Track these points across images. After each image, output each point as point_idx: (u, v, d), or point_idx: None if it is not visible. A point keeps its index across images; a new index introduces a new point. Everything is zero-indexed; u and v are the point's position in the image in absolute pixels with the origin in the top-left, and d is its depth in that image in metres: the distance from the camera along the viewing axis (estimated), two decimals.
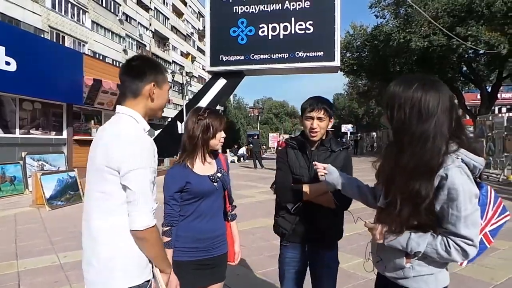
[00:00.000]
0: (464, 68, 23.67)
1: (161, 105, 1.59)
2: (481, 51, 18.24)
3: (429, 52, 19.53)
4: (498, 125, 11.90)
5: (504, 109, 33.79)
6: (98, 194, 1.42)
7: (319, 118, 1.99)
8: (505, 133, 11.71)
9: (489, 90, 23.32)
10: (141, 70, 1.51)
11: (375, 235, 1.39)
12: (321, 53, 17.42)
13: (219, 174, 2.00)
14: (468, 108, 25.20)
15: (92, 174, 1.46)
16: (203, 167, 1.97)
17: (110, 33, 34.25)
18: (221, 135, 2.00)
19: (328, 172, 1.76)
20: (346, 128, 59.78)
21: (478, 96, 25.77)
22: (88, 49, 30.31)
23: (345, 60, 25.78)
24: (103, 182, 1.40)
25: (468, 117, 23.57)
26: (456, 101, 1.47)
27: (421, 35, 19.10)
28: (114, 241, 1.40)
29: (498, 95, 26.46)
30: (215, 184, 1.95)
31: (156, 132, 22.75)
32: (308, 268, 2.13)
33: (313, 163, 1.91)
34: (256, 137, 26.81)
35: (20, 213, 7.32)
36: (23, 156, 9.88)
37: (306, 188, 1.97)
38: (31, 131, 10.49)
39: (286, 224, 2.04)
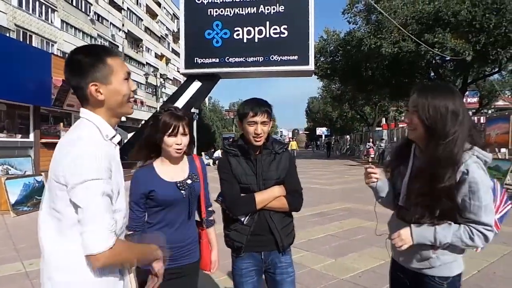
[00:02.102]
0: (432, 74, 24.61)
1: (120, 102, 1.33)
2: (448, 58, 19.03)
3: (399, 57, 20.19)
4: None
5: (470, 113, 35.35)
6: (50, 211, 1.24)
7: (263, 122, 1.89)
8: None
9: None
10: (78, 66, 1.27)
11: (397, 243, 1.52)
12: (296, 57, 17.63)
13: (188, 181, 1.85)
14: None
15: (46, 188, 1.28)
16: (172, 172, 1.84)
17: (81, 33, 33.30)
18: (174, 141, 1.77)
19: (380, 177, 1.73)
20: (321, 131, 60.82)
21: None
22: (57, 49, 29.32)
23: (319, 64, 26.23)
24: (54, 199, 1.21)
25: None
26: None
27: (391, 41, 19.73)
28: (70, 266, 1.21)
29: (464, 100, 27.68)
30: (182, 191, 1.81)
31: (130, 135, 22.28)
32: (264, 277, 2.04)
33: (370, 167, 1.75)
34: (231, 140, 26.74)
35: None
36: None
37: (259, 196, 1.88)
38: None
39: (240, 237, 1.91)
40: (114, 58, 1.32)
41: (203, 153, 24.14)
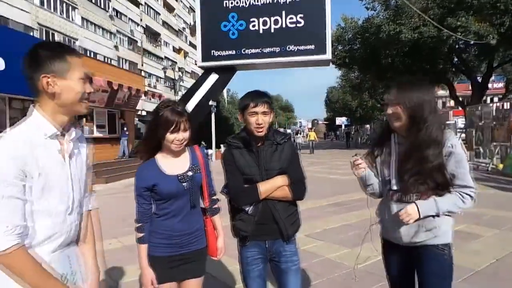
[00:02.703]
0: (455, 59, 23.82)
1: (72, 99, 1.31)
2: (471, 42, 18.37)
3: (419, 43, 19.61)
4: (486, 114, 12.04)
5: (496, 99, 34.11)
6: None
7: (264, 113, 1.93)
8: (494, 122, 11.85)
9: (480, 80, 23.50)
10: (35, 58, 1.26)
11: (405, 219, 1.71)
12: (312, 46, 17.41)
13: (190, 173, 1.90)
14: (460, 99, 25.41)
15: None
16: (173, 165, 1.89)
17: (100, 29, 33.94)
18: (175, 137, 1.82)
19: (366, 168, 1.94)
20: (341, 121, 60.07)
21: (470, 87, 25.98)
22: (79, 46, 30.01)
23: (337, 53, 25.81)
24: None
25: (460, 108, 23.77)
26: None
27: (411, 27, 19.17)
28: None
29: (490, 85, 26.69)
30: (183, 184, 1.87)
31: None
32: (269, 265, 2.08)
33: (357, 159, 1.93)
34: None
35: None
36: None
37: (262, 187, 1.93)
38: None
39: (246, 226, 1.97)
40: (74, 57, 1.33)
41: (202, 142, 24.05)
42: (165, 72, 22.36)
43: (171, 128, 1.80)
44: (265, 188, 1.93)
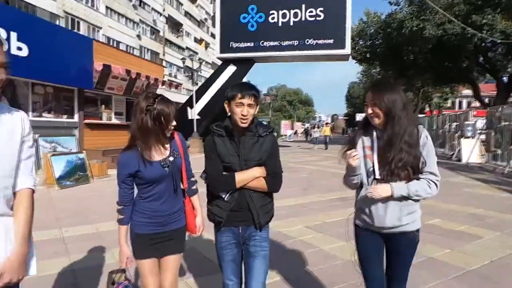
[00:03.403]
0: (481, 58, 23.05)
1: None
2: (498, 41, 17.75)
3: (443, 40, 19.10)
4: (506, 116, 11.68)
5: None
6: None
7: (250, 105, 1.99)
8: None
9: (506, 80, 22.69)
10: None
11: (374, 194, 1.94)
12: (331, 41, 17.29)
13: (171, 158, 2.04)
14: (487, 99, 24.64)
15: None
16: (156, 152, 2.01)
17: (124, 18, 34.56)
18: (172, 124, 2.01)
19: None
20: (360, 116, 59.09)
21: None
22: (103, 35, 30.72)
23: (358, 48, 25.42)
24: None
25: (484, 108, 23.02)
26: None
27: (436, 23, 18.67)
28: None
29: None
30: (166, 169, 2.00)
31: None
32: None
33: (351, 150, 2.03)
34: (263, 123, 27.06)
35: None
36: (36, 138, 10.29)
37: (239, 176, 2.00)
38: (43, 114, 10.89)
39: (221, 212, 2.05)
40: None
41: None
42: (183, 62, 22.59)
43: (172, 115, 1.96)
44: (242, 177, 2.00)
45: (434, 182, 1.97)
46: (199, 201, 2.25)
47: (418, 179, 1.97)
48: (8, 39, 8.75)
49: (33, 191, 1.52)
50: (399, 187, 1.95)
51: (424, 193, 1.97)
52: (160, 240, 2.05)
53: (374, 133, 2.05)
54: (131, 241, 2.06)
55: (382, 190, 1.94)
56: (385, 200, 1.97)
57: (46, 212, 5.97)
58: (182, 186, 2.16)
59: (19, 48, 8.94)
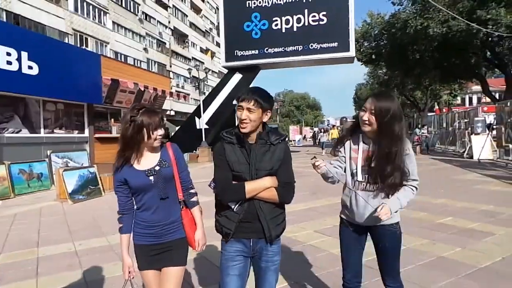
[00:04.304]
0: (488, 53, 22.79)
1: None
2: (504, 35, 17.57)
3: (448, 37, 18.98)
4: None
5: None
6: None
7: (249, 109, 1.90)
8: None
9: None
10: None
11: (383, 217, 1.99)
12: (336, 44, 17.33)
13: (157, 168, 2.01)
14: (497, 94, 24.29)
15: None
16: (143, 161, 2.02)
17: (130, 32, 35.16)
18: (157, 133, 1.98)
19: (325, 164, 2.17)
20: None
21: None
22: (110, 49, 31.29)
23: (363, 50, 25.44)
24: None
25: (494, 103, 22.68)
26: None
27: (439, 21, 18.58)
28: None
29: None
30: (150, 178, 1.98)
31: (176, 128, 23.36)
32: (250, 263, 2.07)
33: (315, 160, 2.12)
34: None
35: (45, 207, 7.89)
36: (48, 154, 10.53)
37: (249, 185, 1.90)
38: (55, 130, 11.14)
39: (230, 223, 1.95)
40: None
41: None
42: (190, 73, 22.87)
43: (155, 126, 1.95)
44: (252, 187, 1.91)
45: (415, 187, 2.14)
46: (200, 214, 2.17)
47: (401, 186, 2.10)
48: (19, 59, 9.04)
49: None
50: (394, 206, 2.06)
51: (409, 199, 2.12)
52: (159, 251, 2.03)
53: (361, 138, 2.17)
54: (134, 252, 2.08)
55: (383, 214, 2.00)
56: (365, 201, 2.11)
57: (60, 226, 6.09)
58: (179, 197, 2.11)
59: (30, 67, 9.22)
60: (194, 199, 2.17)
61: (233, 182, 1.94)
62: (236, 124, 2.00)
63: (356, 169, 2.15)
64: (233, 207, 1.94)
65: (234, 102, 15.74)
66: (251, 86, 2.21)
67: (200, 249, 2.12)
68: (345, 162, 2.25)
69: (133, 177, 1.97)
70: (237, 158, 1.94)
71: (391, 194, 2.10)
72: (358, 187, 2.18)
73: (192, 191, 2.17)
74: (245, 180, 1.92)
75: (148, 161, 2.03)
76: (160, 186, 2.00)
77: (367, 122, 2.05)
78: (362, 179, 2.13)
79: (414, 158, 2.15)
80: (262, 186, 1.92)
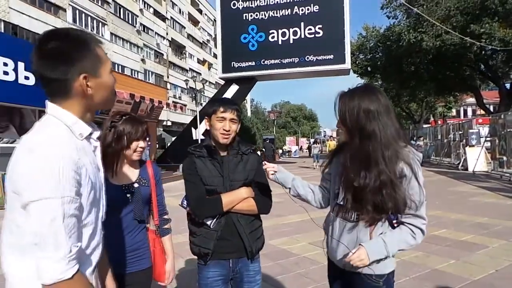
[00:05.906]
0: (482, 66, 23.13)
1: (106, 97, 1.14)
2: (498, 48, 17.87)
3: (443, 51, 19.27)
4: (510, 123, 11.66)
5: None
6: (9, 223, 1.05)
7: (232, 120, 1.84)
8: None
9: (508, 87, 22.68)
10: (62, 55, 1.04)
11: (356, 264, 1.48)
12: (331, 56, 17.55)
13: (136, 185, 1.81)
14: (491, 107, 24.59)
15: (7, 196, 1.06)
16: (122, 175, 1.81)
17: (128, 43, 35.38)
18: (138, 144, 1.80)
19: (278, 170, 1.81)
20: None
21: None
22: None
23: (358, 62, 25.74)
24: (13, 210, 1.02)
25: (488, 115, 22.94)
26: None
27: (433, 35, 18.88)
28: (28, 286, 1.02)
29: None
30: (128, 195, 1.77)
31: (172, 139, 23.35)
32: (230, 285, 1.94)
33: (263, 163, 1.86)
34: (268, 141, 27.33)
35: None
36: None
37: (225, 197, 1.80)
38: None
39: (207, 242, 1.80)
40: (100, 47, 1.13)
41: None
42: (187, 84, 22.98)
43: (137, 136, 1.79)
44: (229, 199, 1.80)
45: (420, 228, 1.50)
46: (171, 244, 2.00)
47: (397, 222, 1.52)
48: (15, 69, 9.07)
49: None
50: (375, 250, 1.47)
51: (405, 246, 1.52)
52: (124, 284, 1.71)
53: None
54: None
55: (364, 256, 1.47)
56: (339, 233, 1.60)
57: None
58: (152, 225, 1.93)
59: (26, 78, 9.23)
60: (167, 226, 2.01)
61: (207, 197, 1.84)
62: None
63: (339, 188, 1.62)
64: (209, 223, 1.81)
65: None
66: (220, 97, 1.99)
67: (169, 282, 1.97)
68: (330, 180, 1.77)
69: (108, 190, 1.77)
70: (210, 172, 1.85)
71: (374, 225, 1.51)
72: (338, 212, 1.64)
73: (166, 217, 2.01)
74: (219, 193, 1.82)
75: (125, 176, 1.83)
76: (136, 206, 1.80)
77: (340, 130, 1.65)
78: (342, 202, 1.60)
79: (422, 185, 1.48)
80: (239, 197, 1.82)
